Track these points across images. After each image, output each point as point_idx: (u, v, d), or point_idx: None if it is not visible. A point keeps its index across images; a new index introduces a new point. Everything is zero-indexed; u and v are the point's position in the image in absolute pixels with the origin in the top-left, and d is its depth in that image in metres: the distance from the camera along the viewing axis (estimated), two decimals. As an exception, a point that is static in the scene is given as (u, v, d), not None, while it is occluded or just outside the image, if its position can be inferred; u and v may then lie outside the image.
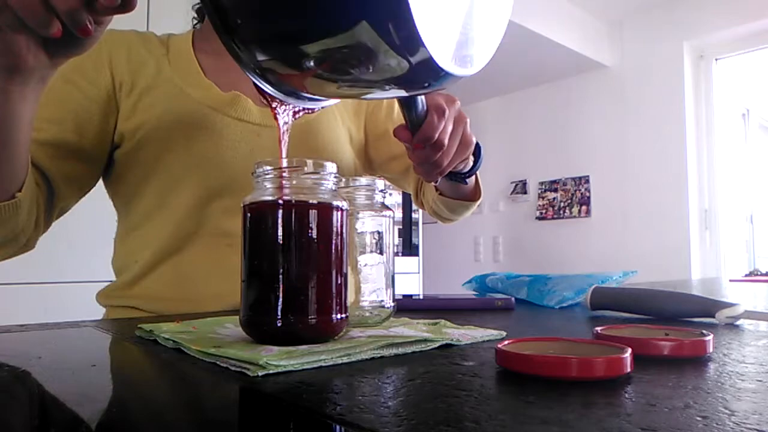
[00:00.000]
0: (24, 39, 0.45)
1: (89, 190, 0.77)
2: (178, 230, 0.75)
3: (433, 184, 0.84)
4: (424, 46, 0.34)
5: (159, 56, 0.79)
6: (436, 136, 0.60)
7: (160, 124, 0.74)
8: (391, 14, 0.32)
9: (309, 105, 0.49)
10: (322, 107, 0.53)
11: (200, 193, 0.75)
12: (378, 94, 0.44)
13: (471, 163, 0.77)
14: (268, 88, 0.43)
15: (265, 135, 0.79)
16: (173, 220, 0.75)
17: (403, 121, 0.61)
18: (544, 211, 3.82)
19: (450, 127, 0.63)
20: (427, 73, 0.38)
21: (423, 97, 0.58)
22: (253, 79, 0.43)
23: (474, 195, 0.86)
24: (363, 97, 0.46)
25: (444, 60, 0.36)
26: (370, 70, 0.37)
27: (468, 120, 0.67)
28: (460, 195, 0.85)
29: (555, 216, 3.77)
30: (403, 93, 0.45)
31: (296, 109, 0.52)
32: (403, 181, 0.95)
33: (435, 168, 0.65)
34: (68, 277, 1.73)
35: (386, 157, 0.94)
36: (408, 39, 0.33)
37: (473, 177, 0.82)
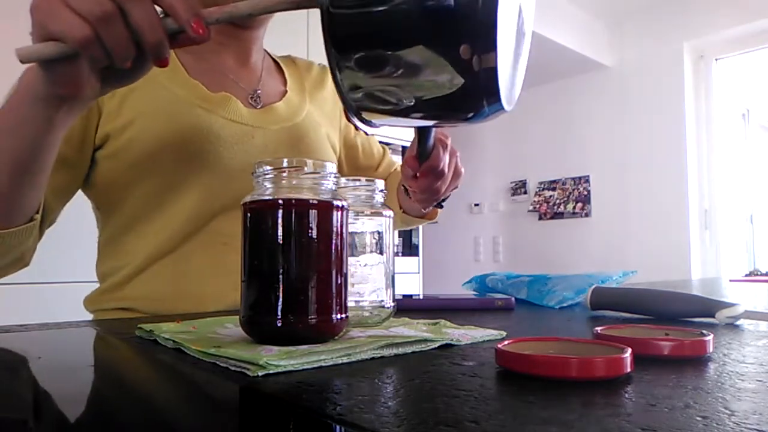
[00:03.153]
0: (88, 70, 0.45)
1: (72, 197, 0.76)
2: (177, 232, 0.74)
3: (398, 202, 0.93)
4: (497, 82, 0.39)
5: None
6: (441, 166, 0.70)
7: (150, 125, 0.73)
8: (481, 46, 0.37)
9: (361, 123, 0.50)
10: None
11: (199, 195, 0.74)
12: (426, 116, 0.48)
13: None
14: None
15: (258, 136, 0.78)
16: (172, 222, 0.74)
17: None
18: (543, 211, 3.82)
19: (448, 159, 0.72)
20: (490, 104, 0.42)
21: (434, 131, 0.64)
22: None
23: (431, 215, 0.94)
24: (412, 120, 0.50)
25: (504, 98, 0.42)
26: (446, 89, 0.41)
27: (458, 153, 0.76)
28: (420, 214, 0.92)
29: (555, 216, 3.77)
30: (449, 121, 0.49)
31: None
32: None
33: (433, 194, 0.75)
34: (68, 277, 1.73)
35: (352, 166, 1.01)
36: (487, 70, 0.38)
37: None
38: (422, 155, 0.68)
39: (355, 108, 0.44)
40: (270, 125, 0.80)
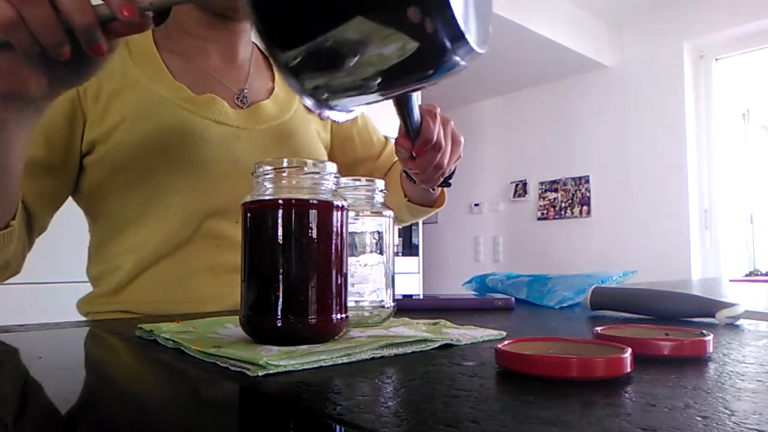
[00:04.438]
0: (28, 63, 0.44)
1: (62, 204, 0.75)
2: (169, 235, 0.74)
3: (402, 190, 0.87)
4: (457, 23, 0.35)
5: (122, 57, 0.75)
6: (435, 138, 0.65)
7: (135, 128, 0.72)
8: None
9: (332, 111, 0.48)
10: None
11: (188, 197, 0.73)
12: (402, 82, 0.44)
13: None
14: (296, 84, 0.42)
15: (244, 137, 0.77)
16: (164, 225, 0.73)
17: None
18: (545, 212, 3.83)
19: (442, 129, 0.67)
20: (457, 51, 0.38)
21: (418, 106, 0.60)
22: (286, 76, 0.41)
23: (440, 201, 0.89)
24: (387, 91, 0.45)
25: (471, 38, 0.37)
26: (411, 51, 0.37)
27: (452, 122, 0.71)
28: (428, 202, 0.87)
29: (556, 216, 3.77)
30: (424, 80, 0.45)
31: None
32: None
33: (437, 170, 0.69)
34: (67, 277, 1.73)
35: (351, 160, 0.97)
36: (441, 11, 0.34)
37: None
38: (411, 131, 0.63)
39: (318, 100, 0.41)
40: (256, 125, 0.79)
